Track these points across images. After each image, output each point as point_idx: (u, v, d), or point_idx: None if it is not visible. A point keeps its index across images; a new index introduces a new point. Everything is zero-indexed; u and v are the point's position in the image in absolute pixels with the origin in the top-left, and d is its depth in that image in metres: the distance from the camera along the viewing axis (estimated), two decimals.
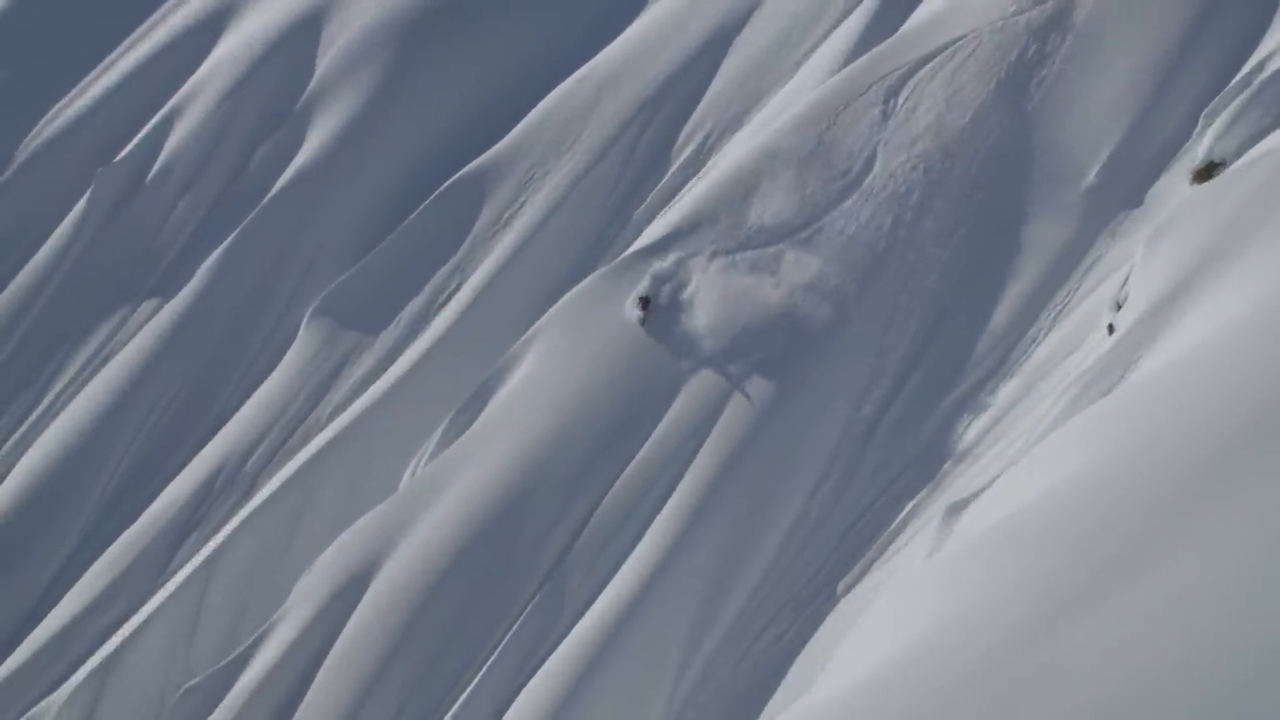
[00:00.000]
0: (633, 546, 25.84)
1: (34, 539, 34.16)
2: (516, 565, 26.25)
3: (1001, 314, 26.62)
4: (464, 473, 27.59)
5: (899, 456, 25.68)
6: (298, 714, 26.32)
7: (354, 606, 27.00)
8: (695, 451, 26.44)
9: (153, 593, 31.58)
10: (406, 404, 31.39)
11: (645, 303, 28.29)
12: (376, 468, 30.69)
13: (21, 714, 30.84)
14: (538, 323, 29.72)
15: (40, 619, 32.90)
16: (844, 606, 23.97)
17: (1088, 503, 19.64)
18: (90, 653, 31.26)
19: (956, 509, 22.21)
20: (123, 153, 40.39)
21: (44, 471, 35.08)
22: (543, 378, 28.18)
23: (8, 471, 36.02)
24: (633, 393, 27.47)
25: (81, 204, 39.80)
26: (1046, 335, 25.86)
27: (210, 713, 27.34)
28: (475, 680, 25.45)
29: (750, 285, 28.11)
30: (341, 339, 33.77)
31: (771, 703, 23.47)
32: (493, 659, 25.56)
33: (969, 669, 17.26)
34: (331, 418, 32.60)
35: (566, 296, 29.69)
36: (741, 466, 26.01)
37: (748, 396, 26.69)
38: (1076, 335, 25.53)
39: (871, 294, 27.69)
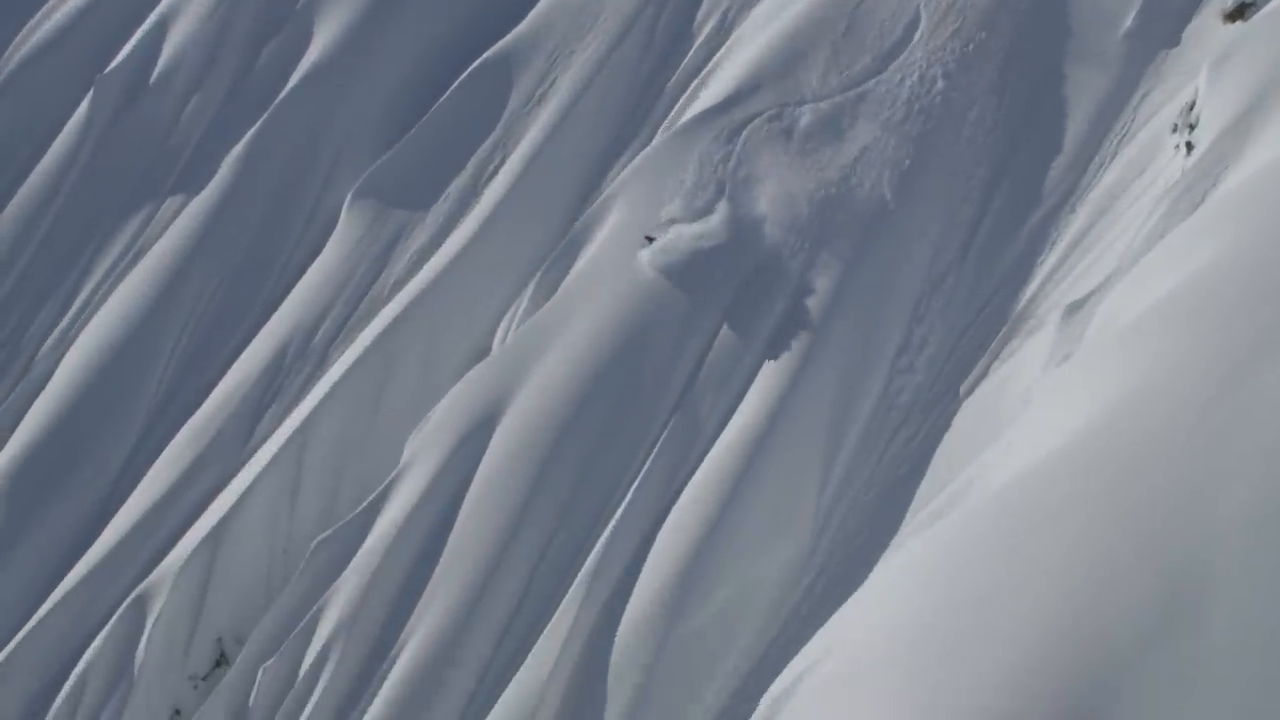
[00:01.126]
0: (755, 373, 27.93)
1: (95, 430, 35.03)
2: (643, 399, 28.15)
3: (1064, 153, 29.18)
4: (570, 323, 29.34)
5: (988, 281, 28.15)
6: (444, 555, 27.95)
7: (480, 455, 28.62)
8: (796, 293, 28.58)
9: (239, 467, 32.79)
10: (475, 270, 32.95)
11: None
12: (455, 331, 32.25)
13: (129, 589, 31.91)
14: (615, 182, 31.56)
15: (119, 503, 33.89)
16: (968, 408, 26.40)
17: (1228, 286, 22.04)
18: (185, 527, 32.39)
19: (1074, 309, 24.68)
20: (118, 59, 41.02)
21: (93, 366, 35.88)
22: (633, 229, 30.04)
23: (53, 369, 36.76)
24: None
25: (83, 109, 40.38)
26: (1110, 162, 28.51)
27: (348, 562, 28.79)
28: (619, 511, 27.27)
29: (807, 157, 30.14)
30: (390, 216, 35.14)
31: (912, 504, 25.84)
32: (634, 489, 27.38)
33: (1149, 440, 19.44)
34: (395, 289, 34.00)
35: (640, 157, 31.54)
36: (842, 300, 28.25)
37: (830, 250, 28.88)
38: (1141, 160, 28.20)
39: (931, 154, 29.98)
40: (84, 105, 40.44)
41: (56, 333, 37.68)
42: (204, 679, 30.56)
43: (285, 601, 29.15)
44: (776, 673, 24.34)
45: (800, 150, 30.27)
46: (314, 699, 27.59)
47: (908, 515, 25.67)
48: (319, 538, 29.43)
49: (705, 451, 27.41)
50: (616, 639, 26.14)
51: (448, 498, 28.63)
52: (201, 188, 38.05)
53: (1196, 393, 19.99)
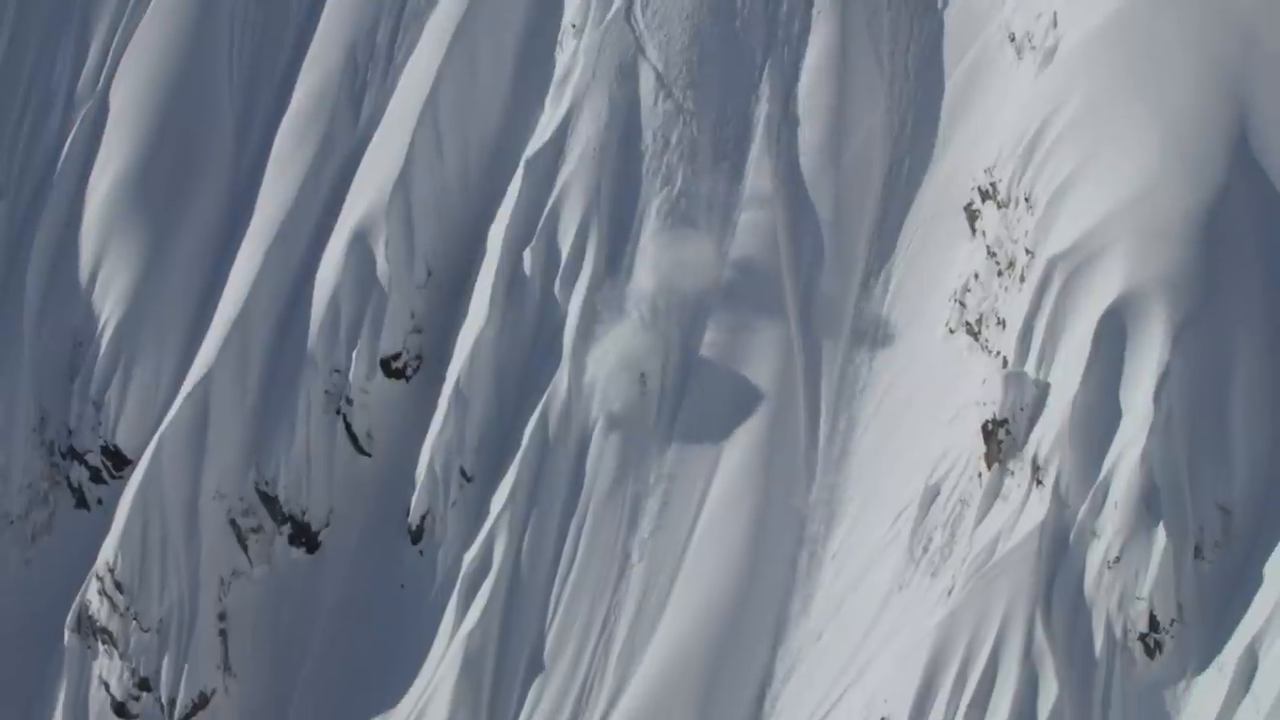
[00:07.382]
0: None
1: (194, 137, 41.95)
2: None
3: None
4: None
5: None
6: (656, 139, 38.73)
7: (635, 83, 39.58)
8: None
9: (363, 139, 41.00)
10: None
11: None
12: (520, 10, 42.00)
13: (319, 238, 39.72)
14: None
15: (249, 189, 41.37)
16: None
17: None
18: (341, 187, 40.26)
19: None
20: None
21: (154, 90, 42.49)
22: None
23: (103, 103, 42.71)
24: None
25: None
26: None
27: (561, 167, 38.68)
28: (761, 122, 39.46)
29: None
30: None
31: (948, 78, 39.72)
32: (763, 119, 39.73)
33: None
34: None
35: None
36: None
37: None
38: None
39: None
40: None
41: (84, 77, 43.35)
42: (424, 286, 39.46)
43: (519, 204, 38.48)
44: None
45: None
46: (587, 259, 37.70)
47: (946, 84, 39.31)
48: (525, 156, 39.00)
49: None
50: None
51: (628, 104, 39.27)
52: None
53: None
